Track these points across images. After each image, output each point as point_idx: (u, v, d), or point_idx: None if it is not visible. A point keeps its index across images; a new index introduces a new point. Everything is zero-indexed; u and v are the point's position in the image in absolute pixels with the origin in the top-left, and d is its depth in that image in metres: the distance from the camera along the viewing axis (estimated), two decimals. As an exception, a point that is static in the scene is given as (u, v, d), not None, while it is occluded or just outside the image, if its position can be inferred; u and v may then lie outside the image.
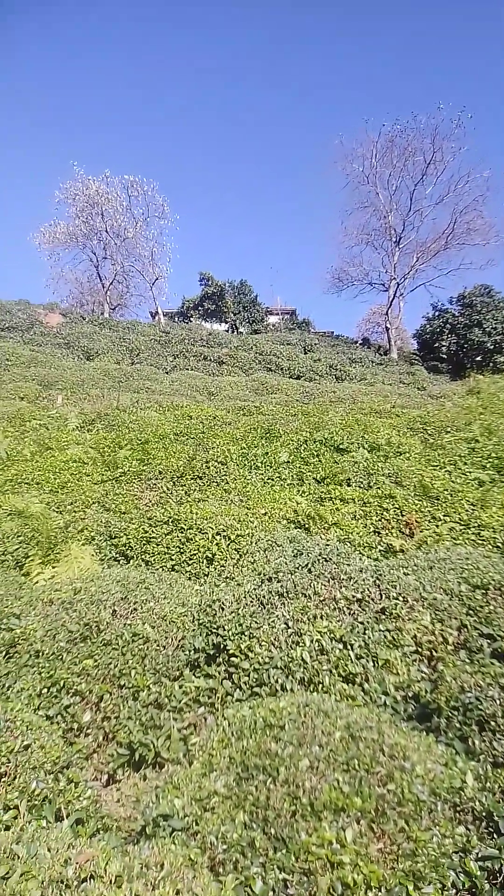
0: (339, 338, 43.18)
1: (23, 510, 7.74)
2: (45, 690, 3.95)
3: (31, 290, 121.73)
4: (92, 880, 1.86)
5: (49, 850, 1.96)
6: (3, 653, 4.39)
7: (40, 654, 4.25)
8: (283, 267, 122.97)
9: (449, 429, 11.12)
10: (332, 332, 45.30)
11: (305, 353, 32.55)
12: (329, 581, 4.47)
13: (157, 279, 46.48)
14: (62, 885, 1.80)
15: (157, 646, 4.28)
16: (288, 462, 9.87)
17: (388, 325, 41.15)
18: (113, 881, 1.87)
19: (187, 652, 4.31)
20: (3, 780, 2.63)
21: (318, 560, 4.81)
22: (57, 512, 7.98)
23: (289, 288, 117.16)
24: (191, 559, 6.57)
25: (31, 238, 46.41)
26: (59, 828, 2.24)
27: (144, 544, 6.92)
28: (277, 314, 50.77)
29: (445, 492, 7.77)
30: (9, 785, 2.63)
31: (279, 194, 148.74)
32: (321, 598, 4.28)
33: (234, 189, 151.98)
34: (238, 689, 3.91)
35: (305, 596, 4.33)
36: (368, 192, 42.75)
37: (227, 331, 42.72)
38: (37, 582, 6.16)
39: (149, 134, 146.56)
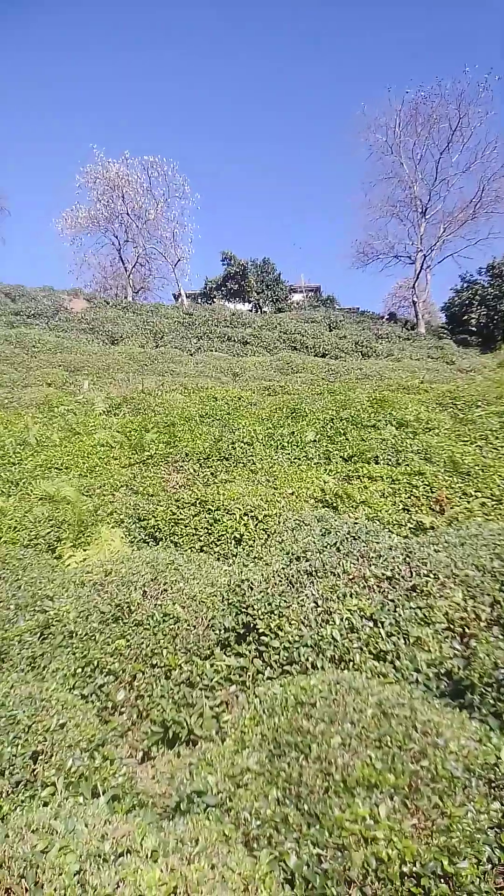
0: (365, 314, 42.51)
1: (53, 494, 7.86)
2: (80, 670, 4.04)
3: (54, 277, 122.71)
4: (128, 855, 1.89)
5: (86, 825, 2.00)
6: (38, 634, 4.49)
7: (74, 634, 4.33)
8: (306, 243, 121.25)
9: (479, 403, 10.87)
10: (358, 308, 44.62)
11: (330, 331, 32.16)
12: (358, 559, 4.44)
13: (179, 260, 46.38)
14: (100, 859, 1.84)
15: (188, 625, 4.32)
16: (314, 441, 9.80)
17: (415, 299, 40.31)
18: (149, 856, 1.90)
19: (217, 631, 4.34)
20: (40, 757, 2.70)
21: (347, 538, 4.77)
22: (86, 495, 8.08)
23: (312, 265, 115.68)
24: (219, 540, 6.59)
25: (53, 224, 46.67)
26: (96, 804, 2.29)
27: (173, 526, 6.97)
28: (301, 292, 50.18)
29: (476, 467, 7.62)
30: (46, 762, 2.69)
31: (301, 169, 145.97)
32: (350, 577, 4.25)
33: (255, 166, 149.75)
34: (268, 668, 3.92)
35: (334, 574, 4.31)
36: (392, 162, 41.71)
37: (251, 310, 42.43)
38: (68, 564, 6.27)
39: (167, 112, 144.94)
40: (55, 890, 1.68)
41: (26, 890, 1.69)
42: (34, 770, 2.65)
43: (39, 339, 22.69)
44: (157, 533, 7.02)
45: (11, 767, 2.60)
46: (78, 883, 1.71)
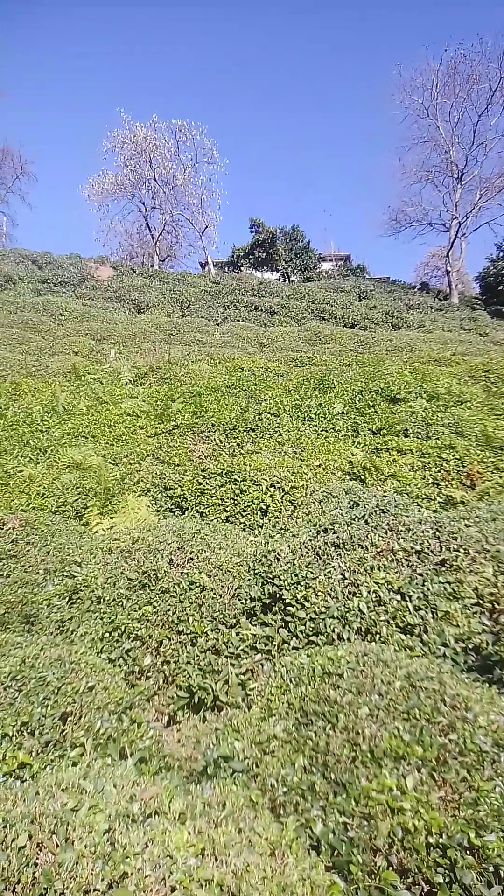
0: (396, 283, 41.55)
1: (80, 462, 7.93)
2: (107, 635, 4.10)
3: (81, 244, 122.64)
4: (156, 816, 1.91)
5: (115, 786, 2.02)
6: (67, 598, 4.57)
7: (102, 600, 4.39)
8: (336, 210, 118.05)
9: (513, 376, 10.61)
10: (389, 278, 43.60)
11: (360, 301, 31.55)
12: (386, 532, 4.38)
13: (206, 227, 45.70)
14: (128, 819, 1.86)
15: (214, 594, 4.34)
16: (342, 413, 9.67)
17: (449, 268, 39.24)
18: (177, 818, 1.92)
19: (243, 601, 4.35)
20: (69, 719, 2.75)
21: (375, 511, 4.71)
22: (113, 464, 8.13)
23: (343, 232, 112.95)
24: (245, 511, 6.59)
25: (80, 190, 46.31)
26: (124, 766, 2.32)
27: (199, 496, 6.99)
28: (331, 260, 49.23)
29: (509, 441, 7.46)
30: (75, 724, 2.74)
31: (333, 133, 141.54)
32: (378, 550, 4.20)
33: (285, 129, 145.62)
34: (294, 638, 3.93)
35: (362, 547, 4.27)
36: (428, 125, 40.26)
37: (279, 279, 41.83)
38: (96, 532, 6.35)
39: (196, 74, 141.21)
40: (85, 847, 1.71)
41: (57, 845, 1.72)
42: (63, 731, 2.70)
43: (66, 307, 22.75)
44: (183, 502, 7.05)
45: (41, 728, 2.65)
46: (107, 841, 1.74)
